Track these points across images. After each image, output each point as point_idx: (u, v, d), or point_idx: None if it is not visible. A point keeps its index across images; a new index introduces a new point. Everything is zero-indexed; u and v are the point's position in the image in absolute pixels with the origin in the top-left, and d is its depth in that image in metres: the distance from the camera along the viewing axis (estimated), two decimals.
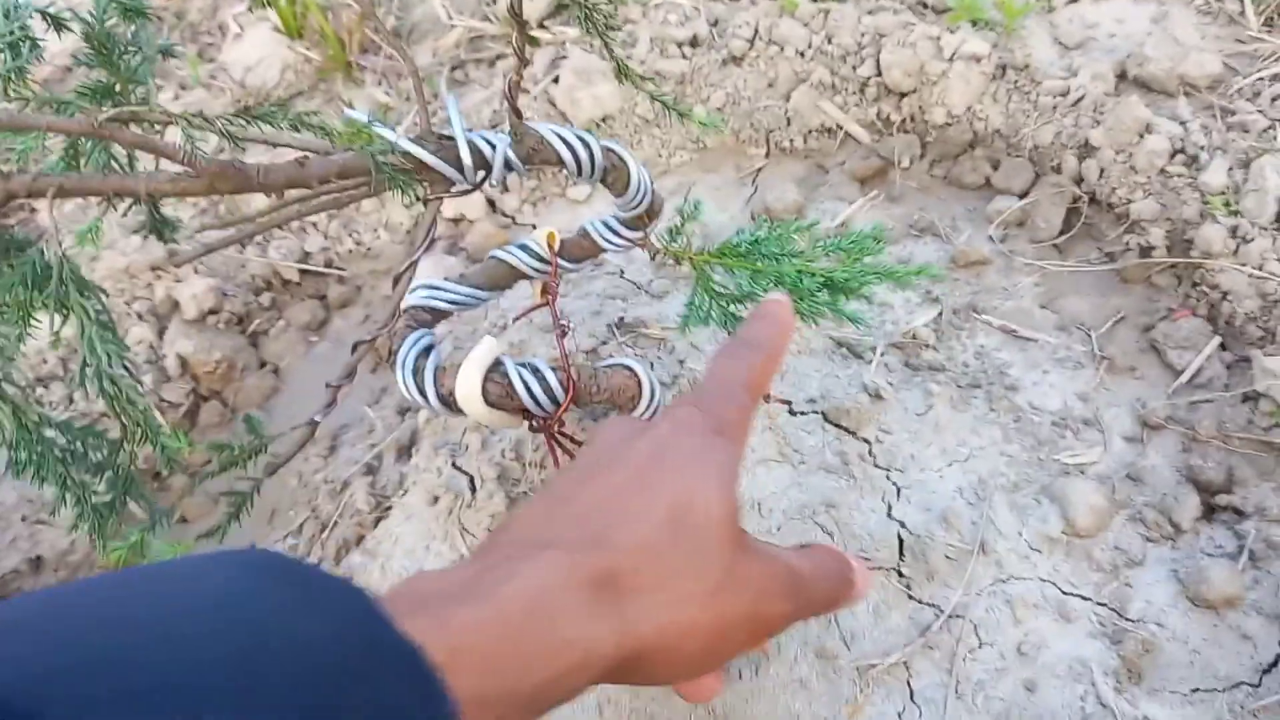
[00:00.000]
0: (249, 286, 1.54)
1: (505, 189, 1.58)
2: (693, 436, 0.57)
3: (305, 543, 1.27)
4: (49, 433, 0.75)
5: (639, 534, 0.52)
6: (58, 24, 0.75)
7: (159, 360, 1.47)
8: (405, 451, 1.28)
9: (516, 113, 0.81)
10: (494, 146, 0.81)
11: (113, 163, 0.83)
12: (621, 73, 0.77)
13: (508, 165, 0.82)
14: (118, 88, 0.78)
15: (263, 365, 1.52)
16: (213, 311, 1.48)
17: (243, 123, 0.73)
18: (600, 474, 0.56)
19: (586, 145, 0.85)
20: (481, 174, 0.83)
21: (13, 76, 0.71)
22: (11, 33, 0.72)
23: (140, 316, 1.50)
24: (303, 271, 1.55)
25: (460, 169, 0.80)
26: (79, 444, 0.77)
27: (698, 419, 0.58)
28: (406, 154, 0.77)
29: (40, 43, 0.73)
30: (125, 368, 0.71)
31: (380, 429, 1.34)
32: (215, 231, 1.25)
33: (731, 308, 0.92)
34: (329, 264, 1.57)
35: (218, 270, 1.51)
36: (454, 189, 0.83)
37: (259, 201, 1.53)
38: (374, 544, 1.16)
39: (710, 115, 0.82)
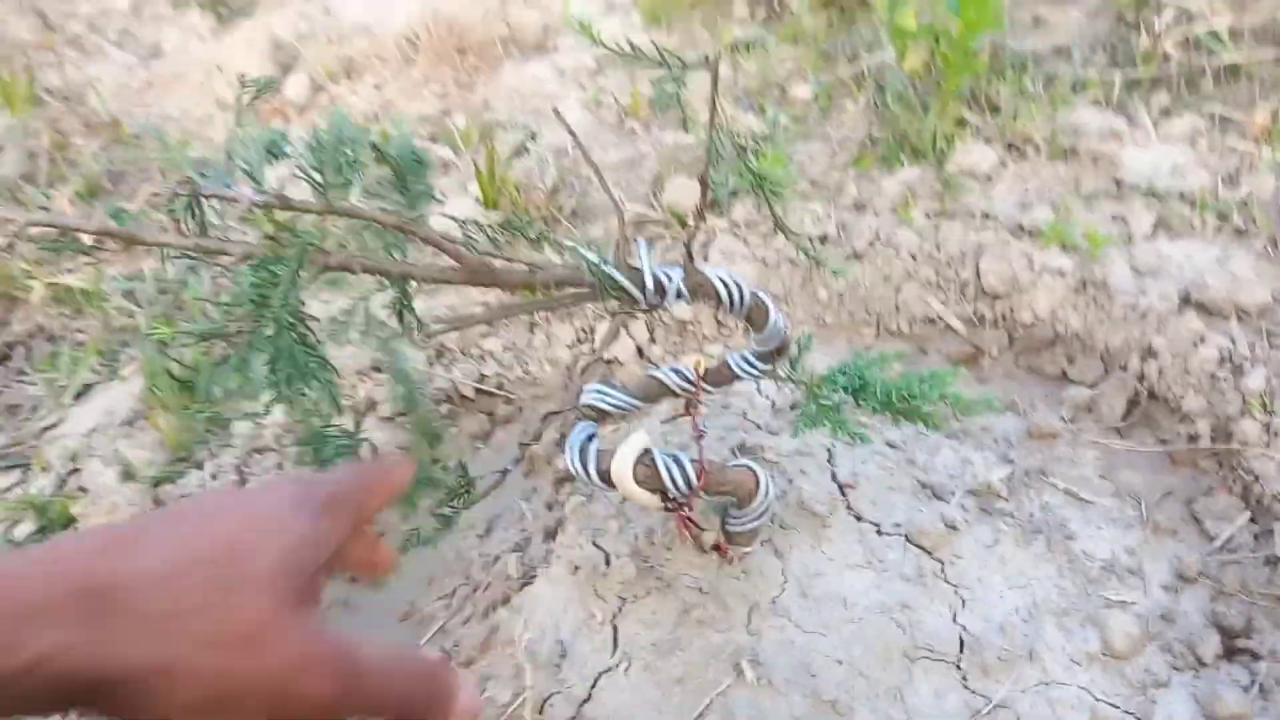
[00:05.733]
0: (432, 397, 1.86)
1: (651, 333, 1.88)
2: (273, 499, 0.55)
3: (457, 602, 1.52)
4: None
5: (164, 559, 0.49)
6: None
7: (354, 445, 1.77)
8: (552, 534, 1.53)
9: (689, 255, 1.11)
10: (671, 279, 1.10)
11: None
12: (778, 227, 1.06)
13: (679, 294, 1.11)
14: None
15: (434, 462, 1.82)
16: (401, 414, 1.79)
17: (506, 230, 1.04)
18: (173, 511, 0.54)
19: (739, 287, 1.13)
20: (658, 298, 1.12)
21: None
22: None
23: (340, 410, 1.81)
24: (478, 390, 1.86)
25: (644, 291, 1.09)
26: None
27: (288, 489, 0.57)
28: (606, 274, 1.06)
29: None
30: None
31: (530, 518, 1.61)
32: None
33: (835, 413, 1.18)
34: (499, 387, 1.88)
35: None
36: (637, 307, 1.12)
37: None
38: (519, 603, 1.41)
39: (839, 265, 1.10)
